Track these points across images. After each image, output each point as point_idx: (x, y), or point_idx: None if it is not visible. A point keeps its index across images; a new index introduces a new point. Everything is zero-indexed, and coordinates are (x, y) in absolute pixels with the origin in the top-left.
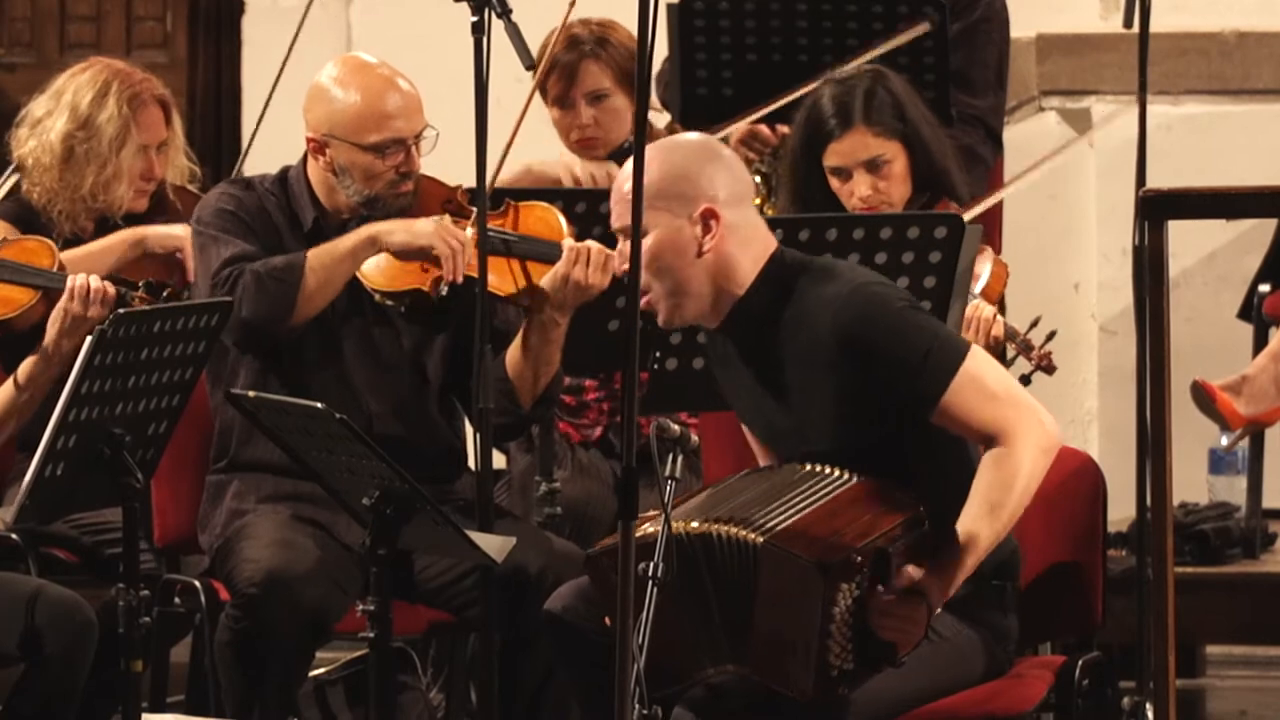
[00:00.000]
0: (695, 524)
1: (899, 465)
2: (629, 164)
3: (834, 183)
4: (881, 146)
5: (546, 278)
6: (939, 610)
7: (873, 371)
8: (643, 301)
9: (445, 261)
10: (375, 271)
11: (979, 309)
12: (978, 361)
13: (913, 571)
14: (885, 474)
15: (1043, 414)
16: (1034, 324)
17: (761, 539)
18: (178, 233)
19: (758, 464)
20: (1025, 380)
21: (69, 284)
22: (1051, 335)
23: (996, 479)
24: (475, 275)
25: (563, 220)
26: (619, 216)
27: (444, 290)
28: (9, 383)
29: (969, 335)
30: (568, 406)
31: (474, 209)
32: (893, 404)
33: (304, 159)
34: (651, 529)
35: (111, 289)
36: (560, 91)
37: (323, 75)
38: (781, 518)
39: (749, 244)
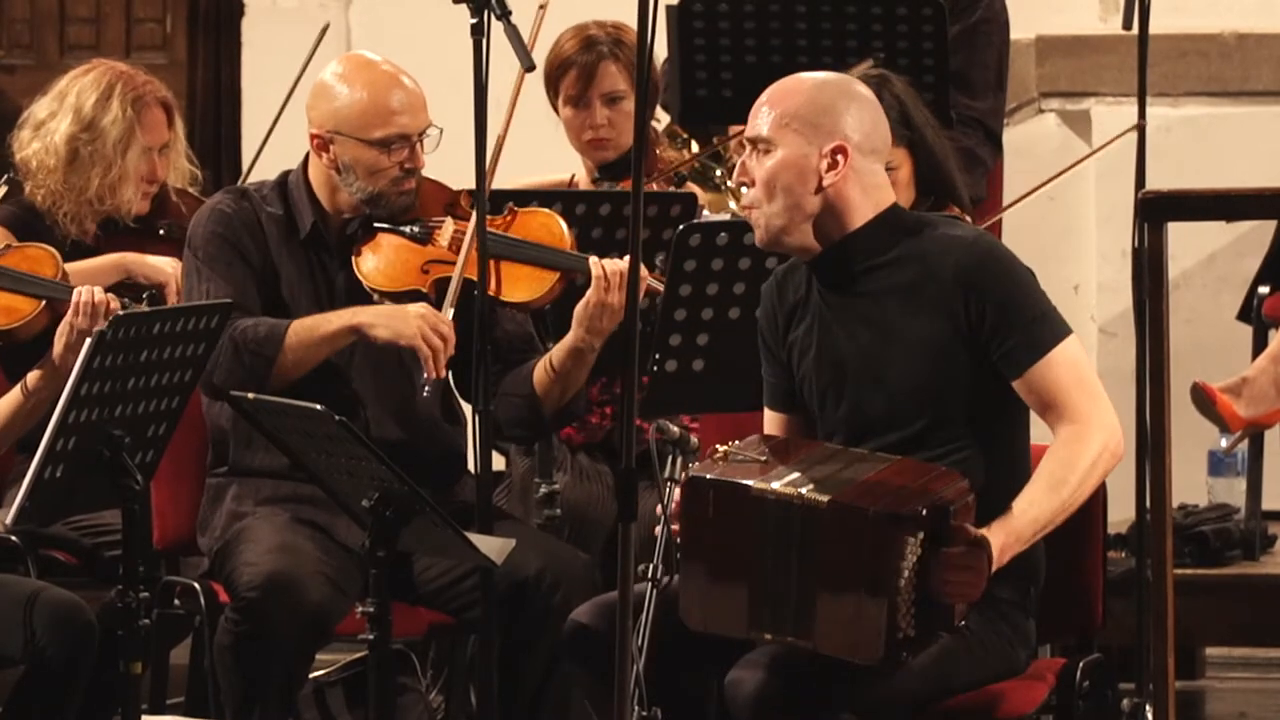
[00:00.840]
0: (778, 486)
1: (964, 427)
2: (793, 77)
3: None
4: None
5: (579, 308)
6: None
7: (981, 315)
8: (749, 214)
9: (426, 361)
10: (374, 271)
11: None
12: (1076, 346)
13: (972, 529)
14: (942, 431)
15: (1115, 420)
16: None
17: (826, 498)
18: (163, 266)
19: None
20: None
21: (75, 299)
22: None
23: (1065, 457)
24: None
25: (564, 226)
26: (754, 126)
27: (426, 391)
28: (15, 390)
29: None
30: None
31: (473, 213)
32: (984, 356)
33: (304, 161)
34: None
35: (115, 302)
36: (578, 91)
37: (326, 73)
38: (839, 483)
39: (869, 191)
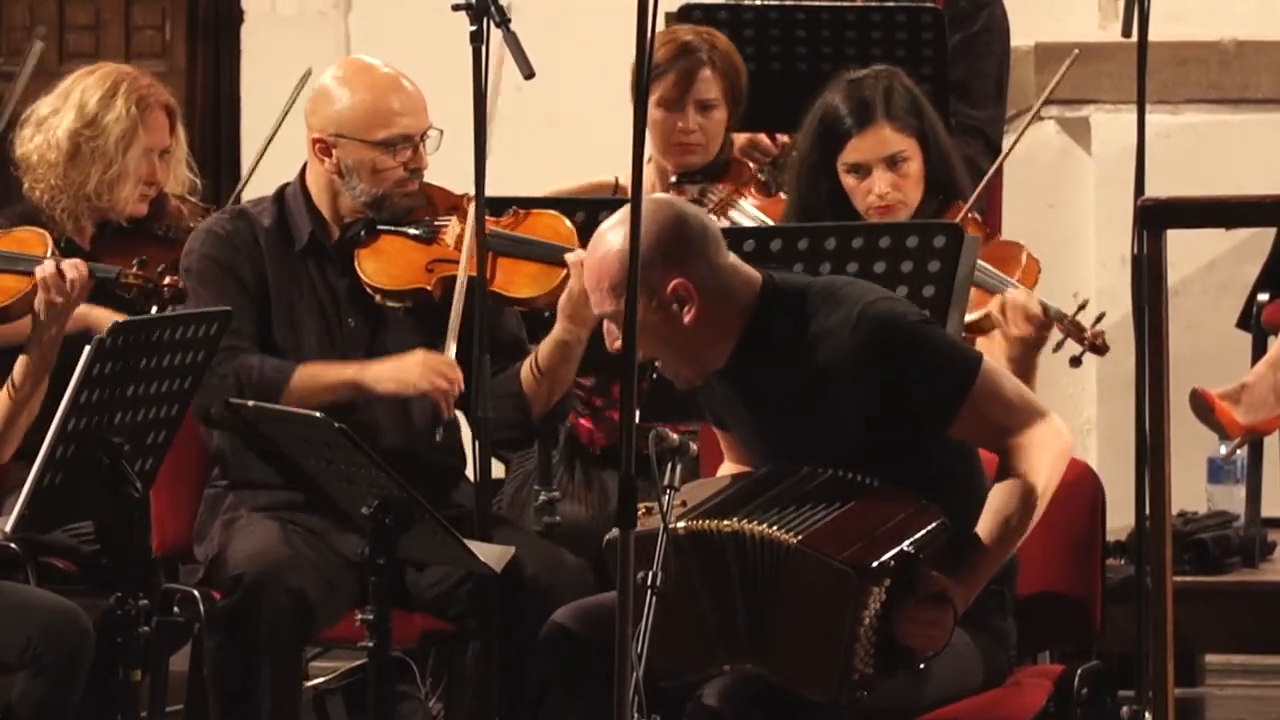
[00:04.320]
0: (728, 522)
1: (915, 476)
2: (598, 242)
3: (849, 181)
4: (902, 142)
5: (561, 300)
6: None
7: (891, 390)
8: (661, 367)
9: (440, 400)
10: (378, 271)
11: (1008, 296)
12: (991, 372)
13: (940, 579)
14: (904, 484)
15: (1055, 420)
16: (1082, 306)
17: (796, 540)
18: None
19: None
20: (1076, 362)
21: (38, 275)
22: (1101, 317)
23: (1014, 488)
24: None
25: (570, 227)
26: (598, 305)
27: (440, 434)
28: (5, 389)
29: (1008, 322)
30: (596, 408)
31: (470, 211)
32: (911, 419)
33: (301, 172)
34: (653, 522)
35: (84, 266)
36: (676, 94)
37: (326, 77)
38: (813, 519)
39: (732, 295)
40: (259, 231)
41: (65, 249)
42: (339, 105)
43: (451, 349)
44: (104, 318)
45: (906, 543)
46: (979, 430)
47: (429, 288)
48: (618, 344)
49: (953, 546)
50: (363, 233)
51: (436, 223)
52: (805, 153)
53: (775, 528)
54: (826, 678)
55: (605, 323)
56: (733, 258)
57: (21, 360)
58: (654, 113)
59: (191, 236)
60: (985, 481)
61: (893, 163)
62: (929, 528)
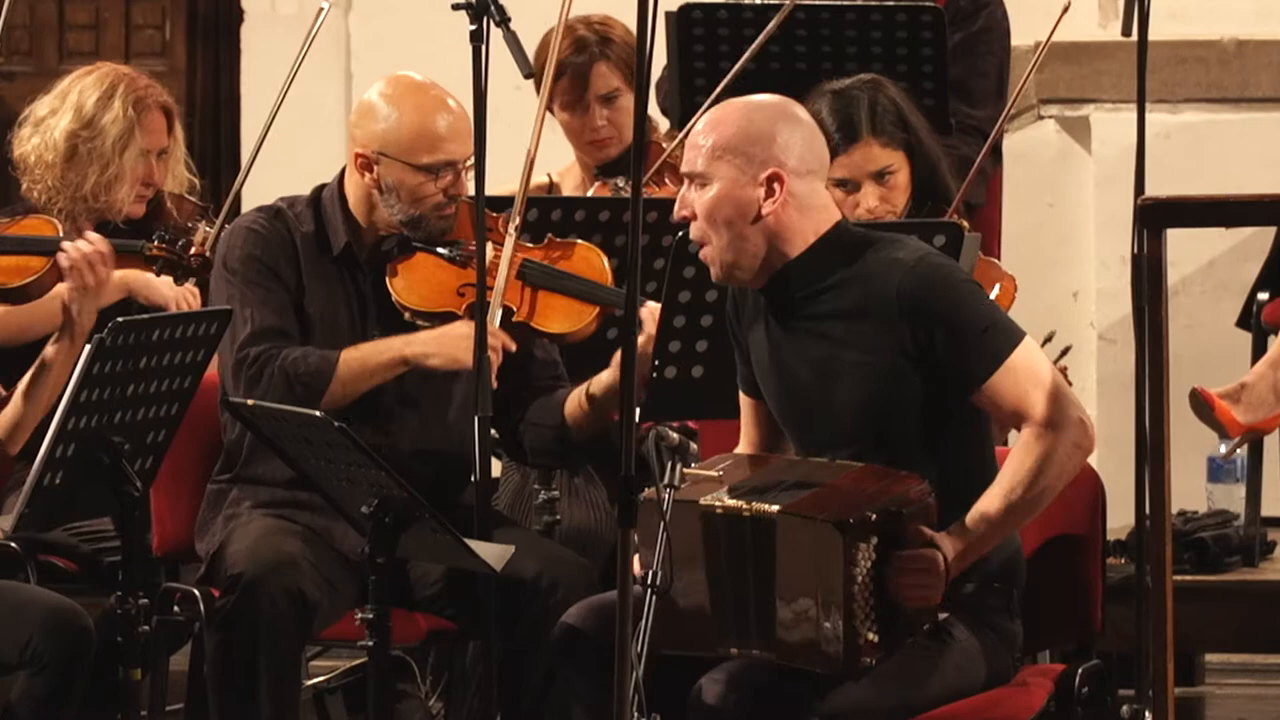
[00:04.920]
0: (732, 502)
1: (922, 441)
2: (720, 106)
3: (837, 194)
4: (889, 157)
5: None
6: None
7: (928, 342)
8: (701, 253)
9: (496, 360)
10: (409, 290)
11: None
12: (1030, 349)
13: (928, 531)
14: (894, 446)
15: (1084, 413)
16: (1048, 338)
17: (777, 508)
18: (164, 291)
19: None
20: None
21: (64, 263)
22: (1066, 351)
23: (1025, 463)
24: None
25: (605, 261)
26: (689, 160)
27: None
28: (27, 377)
29: None
30: None
31: (510, 234)
32: (937, 378)
33: (339, 177)
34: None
35: (105, 244)
36: (573, 96)
37: (373, 92)
38: (794, 492)
39: (810, 213)
40: (295, 233)
41: None
42: (385, 124)
43: (497, 318)
44: (143, 280)
45: (888, 499)
46: (1006, 401)
47: (459, 311)
48: (684, 212)
49: (940, 517)
50: (396, 249)
51: (470, 246)
52: None
53: (761, 501)
54: (831, 645)
55: (683, 188)
56: (824, 189)
57: (55, 345)
58: (560, 115)
59: (229, 234)
60: (992, 468)
61: (880, 177)
62: (912, 489)
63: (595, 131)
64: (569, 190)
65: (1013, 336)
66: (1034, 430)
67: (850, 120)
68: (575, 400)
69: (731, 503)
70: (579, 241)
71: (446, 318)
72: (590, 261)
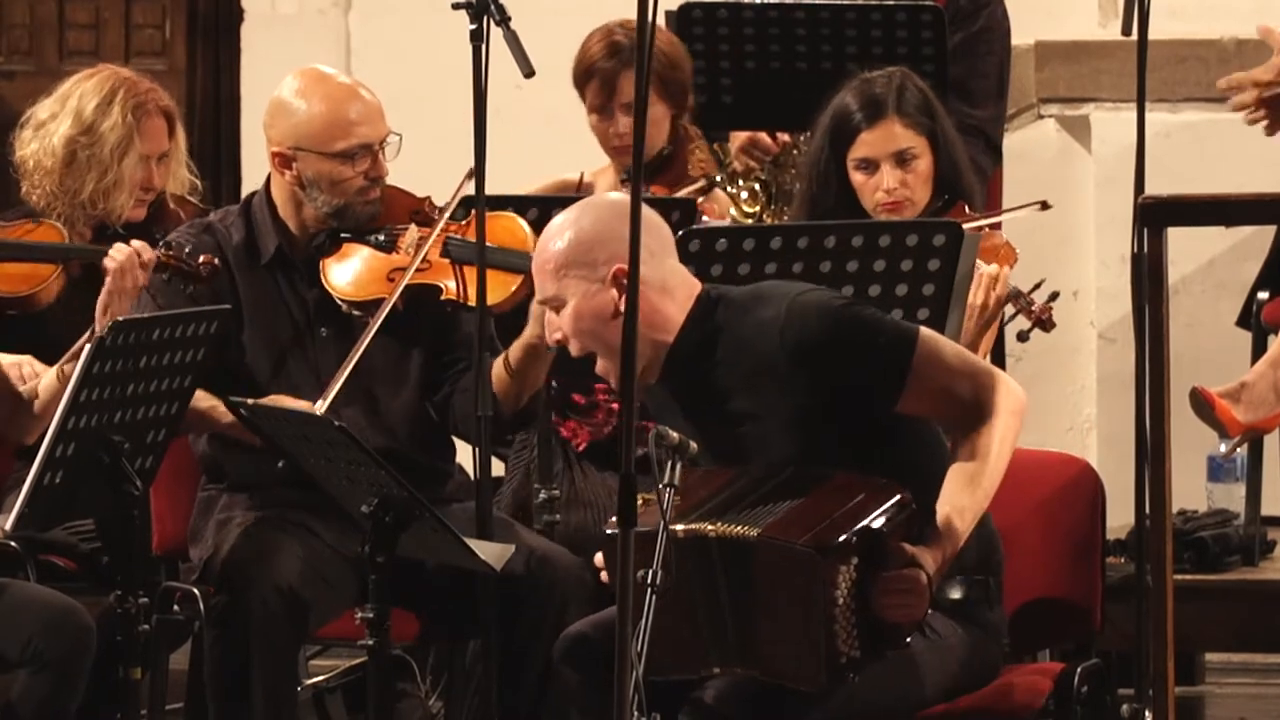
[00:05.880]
0: (694, 524)
1: (862, 462)
2: (548, 227)
3: (858, 178)
4: (911, 139)
5: (533, 304)
6: (932, 612)
7: (831, 377)
8: (597, 368)
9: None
10: (343, 282)
11: (981, 270)
12: (930, 340)
13: (909, 548)
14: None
15: (1004, 378)
16: (1037, 285)
17: (755, 533)
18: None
19: None
20: (1023, 337)
21: (110, 265)
22: (1054, 296)
23: (971, 448)
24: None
25: (527, 229)
26: (540, 289)
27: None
28: (54, 371)
29: (973, 293)
30: (577, 406)
31: (439, 219)
32: (855, 403)
33: (266, 183)
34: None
35: (149, 250)
36: (601, 101)
37: (283, 90)
38: (771, 511)
39: (671, 293)
40: (225, 247)
41: None
42: (296, 118)
43: (331, 395)
44: None
45: (868, 519)
46: (928, 400)
47: (389, 297)
48: (556, 336)
49: (920, 522)
50: (327, 242)
51: (396, 230)
52: (816, 150)
53: (738, 525)
54: (813, 665)
55: (546, 313)
56: (678, 264)
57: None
58: (589, 117)
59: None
60: (947, 460)
61: (901, 159)
62: (890, 503)
63: (620, 138)
64: (602, 190)
65: (908, 338)
66: (969, 422)
67: (875, 99)
68: (499, 367)
69: (708, 526)
70: (502, 213)
71: (380, 305)
72: (512, 231)
